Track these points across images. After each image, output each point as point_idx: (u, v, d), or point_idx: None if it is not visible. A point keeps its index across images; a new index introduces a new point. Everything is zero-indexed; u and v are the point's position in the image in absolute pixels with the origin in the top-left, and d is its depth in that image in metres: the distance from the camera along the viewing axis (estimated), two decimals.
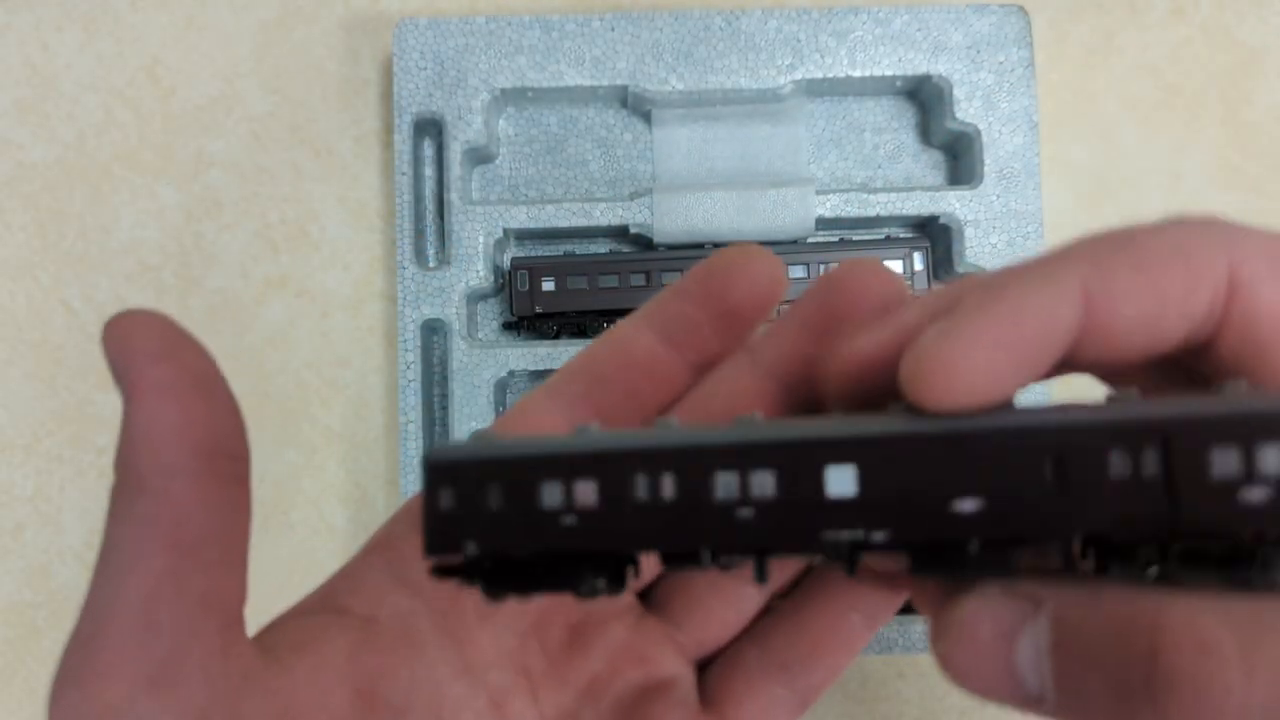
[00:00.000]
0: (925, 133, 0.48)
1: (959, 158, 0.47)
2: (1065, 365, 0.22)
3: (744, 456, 0.23)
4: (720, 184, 0.46)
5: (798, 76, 0.45)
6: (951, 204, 0.45)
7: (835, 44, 0.45)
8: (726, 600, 0.29)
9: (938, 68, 0.45)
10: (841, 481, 0.22)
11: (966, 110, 0.45)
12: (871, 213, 0.45)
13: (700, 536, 0.23)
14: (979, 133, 0.45)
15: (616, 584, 0.24)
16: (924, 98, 0.47)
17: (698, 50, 0.45)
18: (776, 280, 0.27)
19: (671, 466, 0.23)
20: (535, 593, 0.24)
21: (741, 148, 0.47)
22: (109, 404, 0.47)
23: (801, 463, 0.22)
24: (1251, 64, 0.49)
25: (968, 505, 0.21)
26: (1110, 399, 0.22)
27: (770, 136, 0.47)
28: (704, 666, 0.29)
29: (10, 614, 0.46)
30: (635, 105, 0.47)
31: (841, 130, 0.48)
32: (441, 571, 0.24)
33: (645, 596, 0.29)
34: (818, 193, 0.45)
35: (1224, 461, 0.20)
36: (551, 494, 0.24)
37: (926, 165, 0.48)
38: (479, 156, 0.46)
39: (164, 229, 0.48)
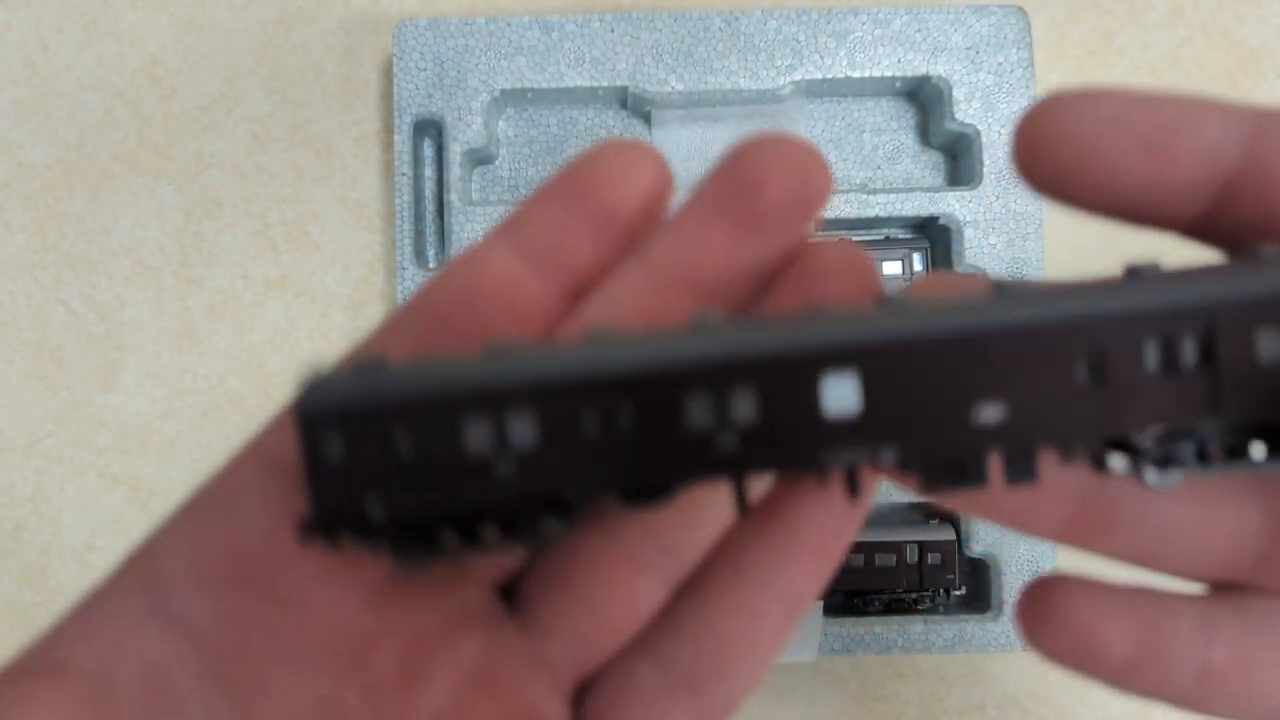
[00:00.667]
0: (925, 133, 0.48)
1: (958, 159, 0.47)
2: (1200, 227, 0.20)
3: (718, 377, 0.19)
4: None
5: (797, 77, 0.45)
6: (951, 205, 0.45)
7: (835, 45, 0.45)
8: (615, 594, 0.22)
9: (937, 68, 0.45)
10: (842, 396, 0.19)
11: (966, 111, 0.45)
12: (871, 213, 0.45)
13: (670, 472, 0.19)
14: (978, 133, 0.45)
15: (567, 518, 0.20)
16: (923, 98, 0.47)
17: (697, 51, 0.45)
18: (663, 175, 0.23)
19: (629, 396, 0.19)
20: (471, 549, 0.19)
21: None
22: (109, 404, 0.47)
23: (791, 378, 0.19)
24: (1251, 65, 0.49)
25: (991, 414, 0.19)
26: (1131, 273, 0.19)
27: None
28: (584, 689, 0.23)
29: (10, 614, 0.46)
30: (635, 106, 0.47)
31: (841, 131, 0.48)
32: (328, 533, 0.19)
33: (508, 592, 0.23)
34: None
35: (1272, 343, 0.18)
36: (478, 435, 0.19)
37: (926, 166, 0.48)
38: (479, 157, 0.47)
39: (164, 229, 0.48)
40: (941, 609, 0.46)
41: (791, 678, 0.46)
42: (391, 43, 0.45)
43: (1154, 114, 0.19)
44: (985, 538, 0.44)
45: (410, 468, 0.19)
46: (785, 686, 0.46)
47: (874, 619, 0.44)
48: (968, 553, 0.45)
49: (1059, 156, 0.19)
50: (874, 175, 0.48)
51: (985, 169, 0.45)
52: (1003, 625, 0.44)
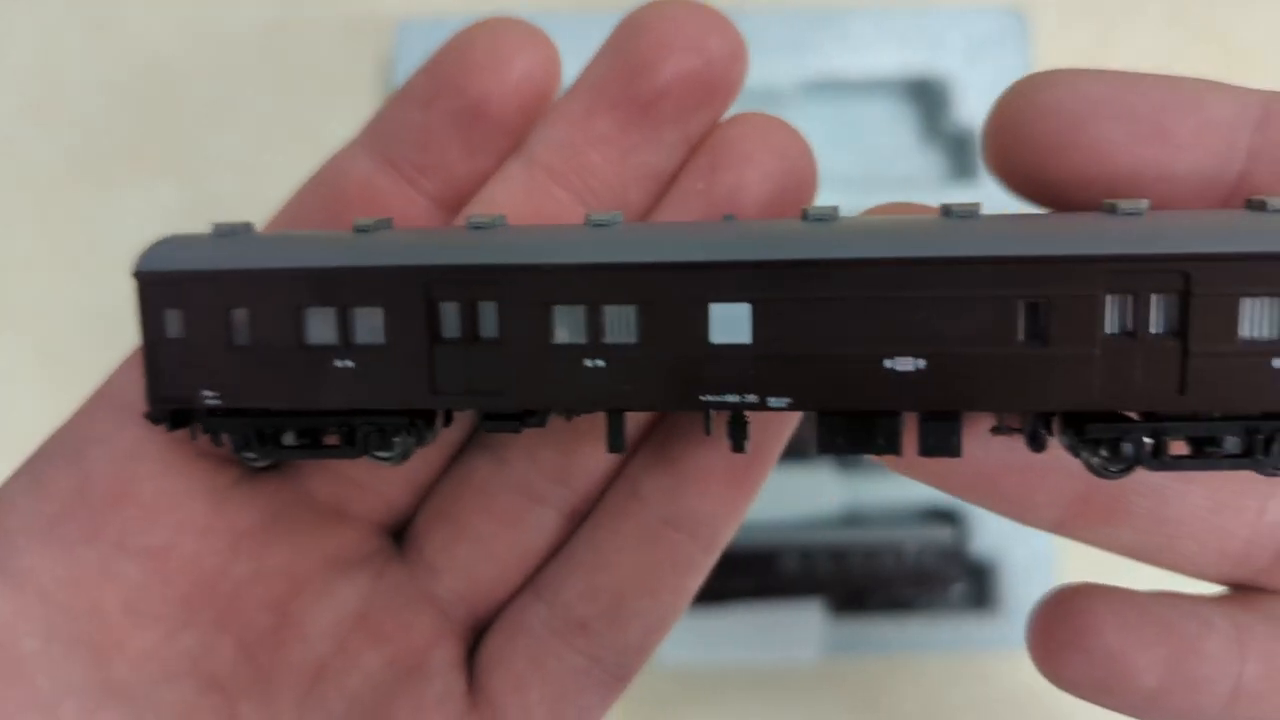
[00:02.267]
0: (925, 132, 0.48)
1: (958, 157, 0.47)
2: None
3: (593, 283, 0.16)
4: None
5: (798, 76, 0.45)
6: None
7: (835, 44, 0.46)
8: (504, 525, 0.20)
9: (937, 68, 0.45)
10: (731, 324, 0.16)
11: (966, 110, 0.45)
12: None
13: (533, 391, 0.16)
14: (979, 133, 0.45)
15: (423, 433, 0.18)
16: (924, 98, 0.47)
17: None
18: (542, 57, 0.19)
19: (492, 293, 0.16)
20: (310, 456, 0.18)
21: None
22: None
23: (675, 296, 0.16)
24: (1246, 67, 0.49)
25: (905, 364, 0.16)
26: (1109, 209, 0.16)
27: None
28: (482, 634, 0.21)
29: None
30: None
31: (842, 130, 0.48)
32: (173, 417, 0.18)
33: (399, 534, 0.22)
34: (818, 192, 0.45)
35: (1258, 318, 0.15)
36: (321, 324, 0.17)
37: (927, 165, 0.48)
38: None
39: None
40: (942, 608, 0.46)
41: (792, 678, 0.46)
42: (393, 42, 0.45)
43: (1152, 92, 0.17)
44: (986, 537, 0.44)
45: (249, 351, 0.17)
46: (786, 686, 0.46)
47: (874, 618, 0.44)
48: (968, 552, 0.45)
49: (1039, 138, 0.17)
50: (874, 174, 0.48)
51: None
52: (1003, 624, 0.44)
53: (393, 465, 0.18)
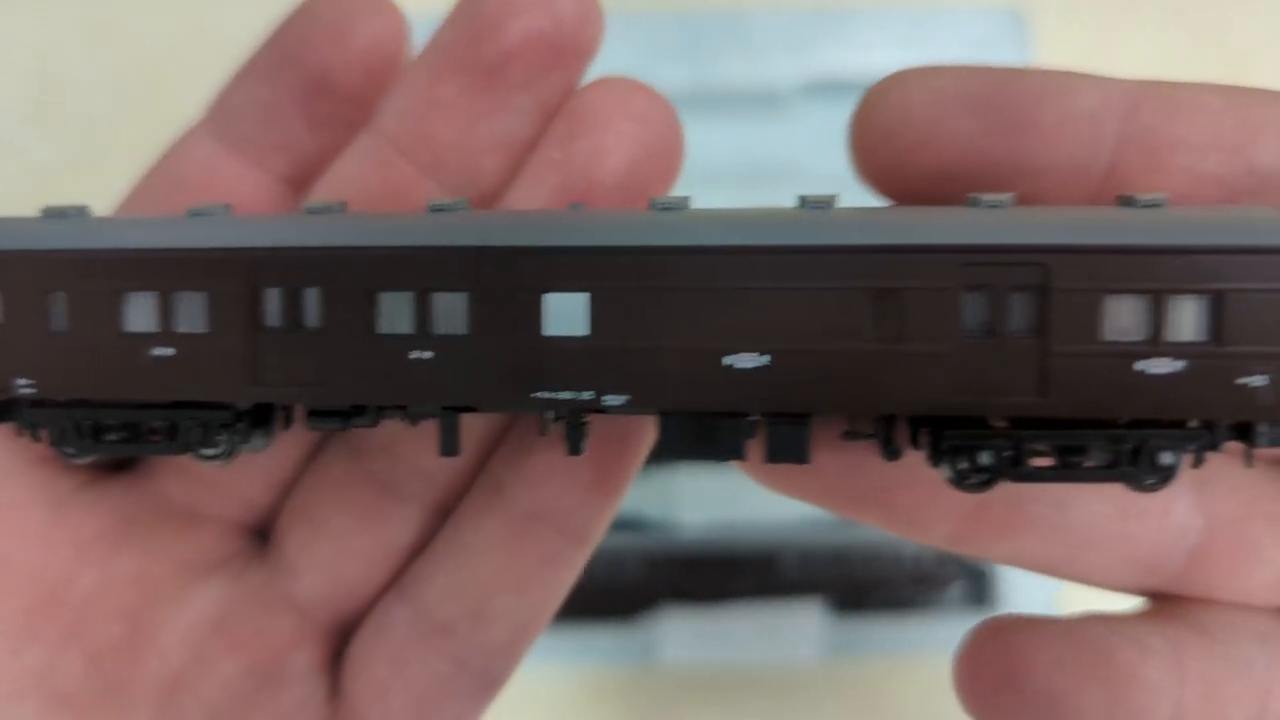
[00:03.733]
0: None
1: None
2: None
3: (421, 269, 0.15)
4: (720, 183, 0.46)
5: (798, 77, 0.45)
6: None
7: (835, 45, 0.46)
8: (363, 521, 0.19)
9: None
10: (567, 316, 0.15)
11: None
12: None
13: (357, 385, 0.15)
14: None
15: (257, 434, 0.17)
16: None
17: (698, 50, 0.45)
18: (389, 24, 0.18)
19: (315, 279, 0.15)
20: (130, 450, 0.17)
21: (742, 147, 0.47)
22: None
23: (508, 284, 0.15)
24: (1242, 67, 0.49)
25: (747, 361, 0.15)
26: (971, 203, 0.15)
27: (770, 136, 0.47)
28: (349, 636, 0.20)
29: None
30: None
31: (842, 130, 0.48)
32: None
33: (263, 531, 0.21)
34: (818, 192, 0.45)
35: (1122, 316, 0.15)
36: (141, 310, 0.16)
37: None
38: None
39: None
40: (941, 608, 0.46)
41: (792, 678, 0.46)
42: None
43: (1009, 85, 0.16)
44: None
45: (67, 338, 0.16)
46: (786, 686, 0.46)
47: (874, 618, 0.44)
48: None
49: (901, 137, 0.16)
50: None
51: None
52: None
53: (220, 465, 0.17)
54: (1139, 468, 0.15)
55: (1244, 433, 0.16)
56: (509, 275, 0.15)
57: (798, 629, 0.43)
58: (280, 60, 0.18)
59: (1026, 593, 0.44)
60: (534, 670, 0.44)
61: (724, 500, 0.43)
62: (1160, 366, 0.14)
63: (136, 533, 0.20)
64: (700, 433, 0.15)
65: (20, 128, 0.48)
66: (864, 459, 0.17)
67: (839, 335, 0.15)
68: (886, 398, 0.15)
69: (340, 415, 0.16)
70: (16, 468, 0.19)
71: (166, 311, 0.16)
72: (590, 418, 0.17)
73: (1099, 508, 0.18)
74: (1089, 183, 0.17)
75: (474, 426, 0.19)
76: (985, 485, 0.16)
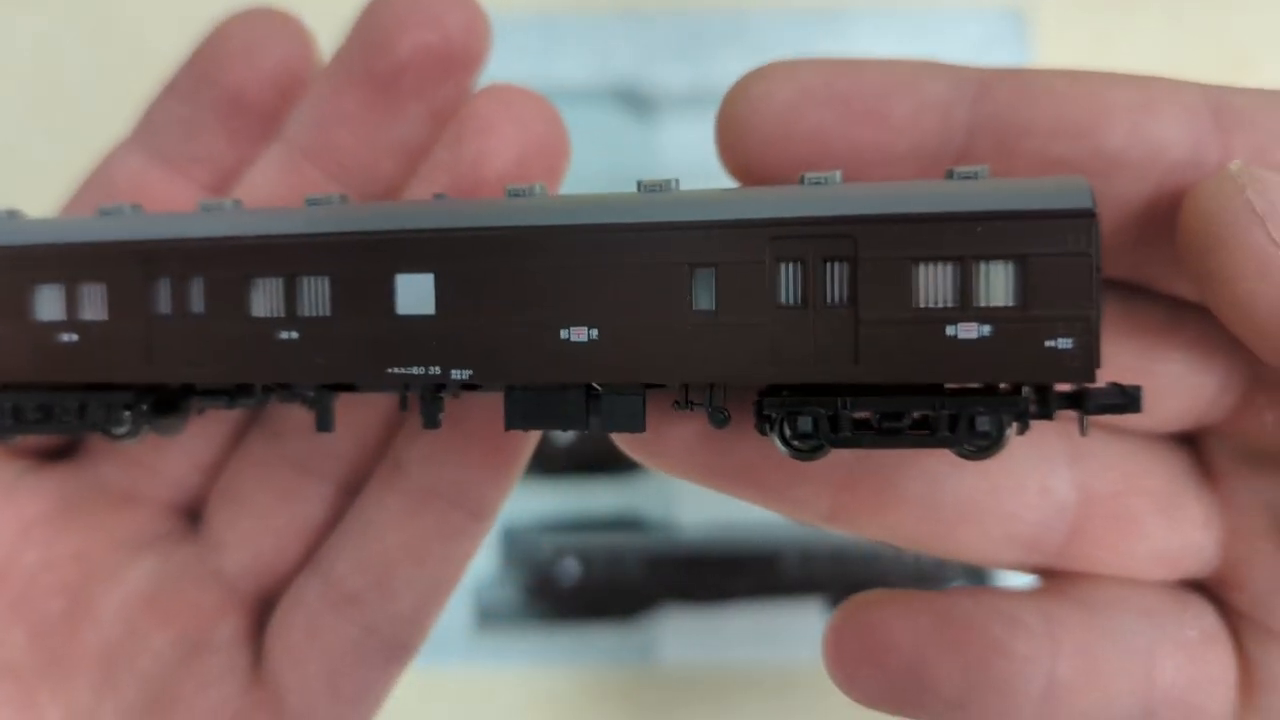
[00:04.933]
0: None
1: None
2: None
3: (289, 255, 0.17)
4: (720, 183, 0.46)
5: None
6: None
7: (836, 45, 0.46)
8: (282, 500, 0.21)
9: None
10: (416, 296, 0.16)
11: None
12: None
13: (235, 364, 0.17)
14: None
15: (165, 418, 0.19)
16: None
17: (699, 49, 0.45)
18: (296, 43, 0.20)
19: (199, 267, 0.17)
20: (46, 430, 0.19)
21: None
22: None
23: (364, 267, 0.16)
24: (1244, 65, 0.49)
25: (579, 334, 0.16)
26: (799, 181, 0.16)
27: None
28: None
29: None
30: (636, 104, 0.47)
31: None
32: None
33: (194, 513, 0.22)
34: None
35: (932, 283, 0.15)
36: (50, 300, 0.18)
37: None
38: None
39: None
40: None
41: (792, 678, 0.46)
42: None
43: (867, 76, 0.17)
44: None
45: None
46: (786, 686, 0.46)
47: None
48: None
49: (759, 130, 0.17)
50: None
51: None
52: None
53: (132, 443, 0.18)
54: (957, 433, 0.16)
55: (1076, 400, 0.16)
56: (364, 259, 0.16)
57: (798, 629, 0.43)
58: (198, 79, 0.20)
59: None
60: (534, 670, 0.44)
61: (724, 500, 0.43)
62: (970, 331, 0.15)
63: (76, 514, 0.21)
64: (542, 404, 0.16)
65: (20, 128, 0.48)
66: (727, 435, 0.18)
67: (663, 309, 0.16)
68: (708, 368, 0.15)
69: (225, 394, 0.18)
70: None
71: (72, 301, 0.18)
72: (465, 396, 0.18)
73: (973, 482, 0.18)
74: (943, 168, 0.17)
75: (379, 408, 0.21)
76: (815, 452, 0.16)
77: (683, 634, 0.43)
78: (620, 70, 0.45)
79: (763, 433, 0.17)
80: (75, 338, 0.18)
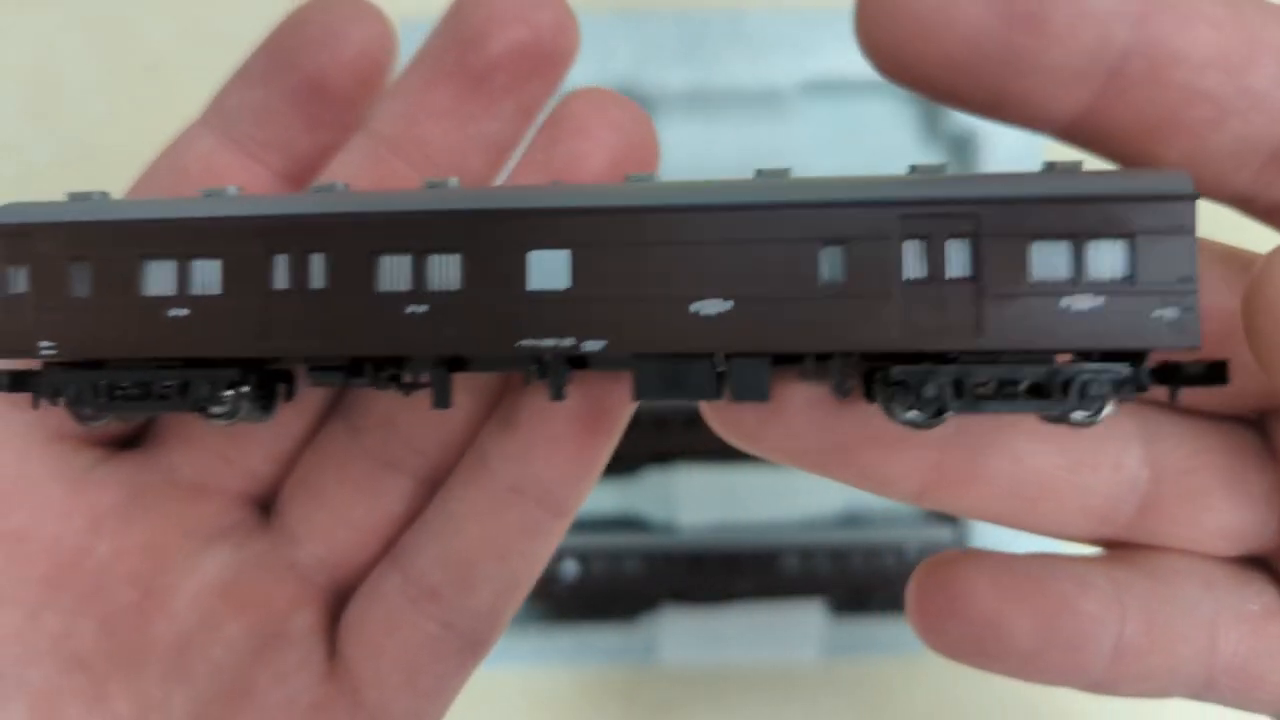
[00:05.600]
0: (926, 132, 0.48)
1: (959, 157, 0.47)
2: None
3: (419, 232, 0.17)
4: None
5: (799, 76, 0.45)
6: None
7: (836, 44, 0.46)
8: (360, 493, 0.21)
9: None
10: (549, 272, 0.17)
11: None
12: None
13: (357, 339, 0.17)
14: (979, 133, 0.45)
15: (261, 401, 0.19)
16: (924, 98, 0.47)
17: (699, 49, 0.45)
18: (376, 30, 0.20)
19: (320, 244, 0.17)
20: (143, 408, 0.19)
21: (742, 147, 0.47)
22: None
23: (496, 244, 0.17)
24: None
25: (711, 307, 0.17)
26: (914, 172, 0.18)
27: (771, 136, 0.47)
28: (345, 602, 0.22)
29: None
30: (636, 104, 0.47)
31: (842, 130, 0.48)
32: (12, 380, 0.19)
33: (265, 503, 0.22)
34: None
35: (1048, 259, 0.17)
36: (159, 276, 0.18)
37: None
38: None
39: None
40: None
41: (792, 678, 0.46)
42: None
43: (1248, 25, 0.16)
44: (986, 537, 0.44)
45: (88, 303, 0.18)
46: (786, 686, 0.46)
47: (875, 619, 0.44)
48: None
49: (913, 19, 0.16)
50: (874, 174, 0.48)
51: (986, 167, 0.45)
52: None
53: (226, 425, 0.18)
54: (1069, 398, 0.17)
55: (1169, 374, 0.18)
56: (497, 237, 0.17)
57: (798, 629, 0.43)
58: (276, 65, 0.20)
59: None
60: (534, 670, 0.44)
61: (724, 500, 0.43)
62: (1083, 303, 0.16)
63: (147, 505, 0.21)
64: (672, 375, 0.17)
65: (19, 127, 0.48)
66: (828, 416, 0.19)
67: (793, 284, 0.17)
68: (837, 337, 0.16)
69: (340, 371, 0.18)
70: (34, 446, 0.21)
71: (183, 278, 0.18)
72: (570, 382, 0.19)
73: (1053, 460, 0.19)
74: (1085, 90, 0.17)
75: (462, 403, 0.21)
76: (937, 417, 0.17)
77: (683, 634, 0.43)
78: (620, 70, 0.45)
79: (875, 399, 0.18)
80: (186, 312, 0.18)
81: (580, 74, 0.45)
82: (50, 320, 0.18)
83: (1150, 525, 0.20)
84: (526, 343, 0.17)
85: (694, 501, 0.43)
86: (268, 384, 0.19)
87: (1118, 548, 0.20)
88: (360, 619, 0.21)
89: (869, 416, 0.19)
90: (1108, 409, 0.17)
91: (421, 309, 0.17)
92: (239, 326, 0.17)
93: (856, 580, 0.44)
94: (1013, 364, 0.17)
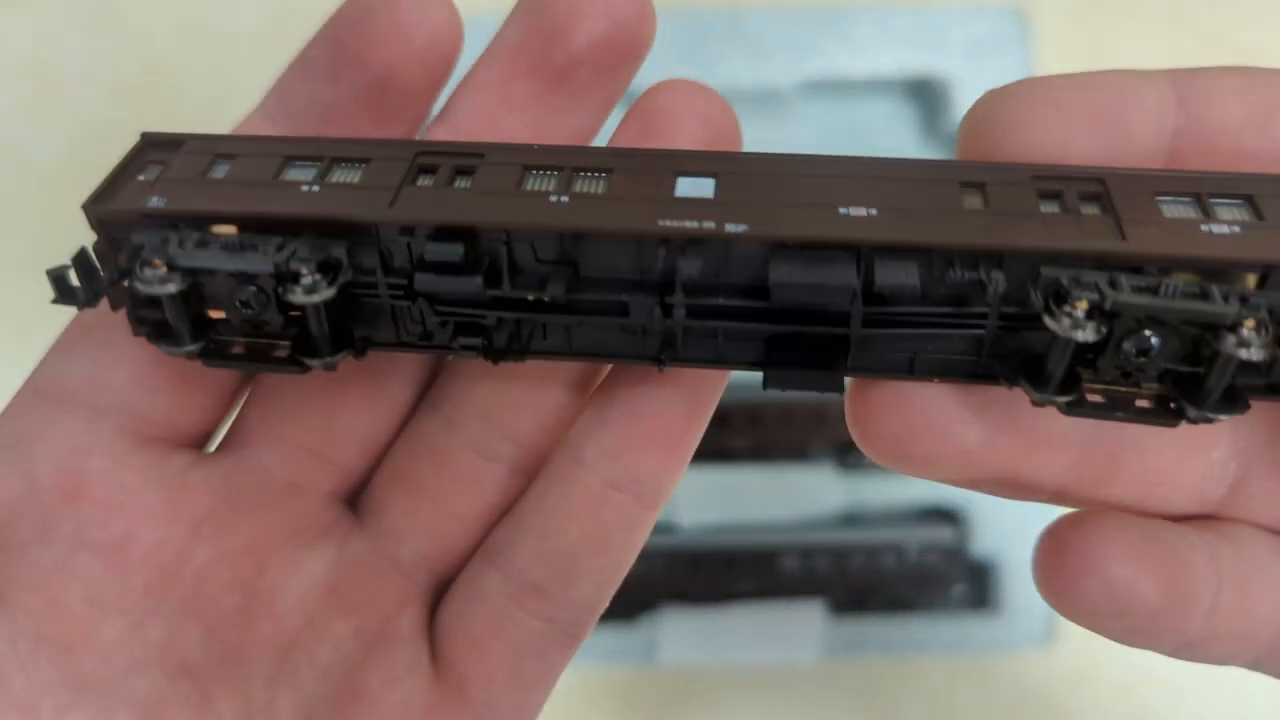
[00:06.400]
0: (926, 133, 0.48)
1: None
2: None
3: (567, 159, 0.18)
4: None
5: (799, 76, 0.45)
6: None
7: (836, 44, 0.46)
8: (461, 484, 0.21)
9: (937, 68, 0.45)
10: (696, 190, 0.17)
11: (966, 110, 0.45)
12: None
13: (491, 213, 0.17)
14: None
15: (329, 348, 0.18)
16: (924, 97, 0.47)
17: (699, 49, 0.45)
18: (444, 20, 0.19)
19: (474, 164, 0.18)
20: (249, 362, 0.18)
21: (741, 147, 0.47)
22: None
23: (645, 167, 0.17)
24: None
25: (858, 211, 0.17)
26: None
27: (771, 136, 0.47)
28: (441, 593, 0.22)
29: None
30: None
31: (842, 130, 0.48)
32: (141, 320, 0.18)
33: (354, 502, 0.22)
34: None
35: (1176, 207, 0.18)
36: (300, 172, 0.18)
37: None
38: None
39: None
40: (942, 609, 0.46)
41: (792, 678, 0.46)
42: None
43: (1105, 89, 0.18)
44: (986, 537, 0.44)
45: (222, 182, 0.18)
46: (786, 686, 0.46)
47: (875, 619, 0.44)
48: (969, 552, 0.45)
49: (1007, 144, 0.18)
50: None
51: None
52: (1004, 624, 0.44)
53: (313, 299, 0.17)
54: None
55: None
56: (647, 164, 0.17)
57: (798, 629, 0.43)
58: (342, 60, 0.19)
59: (1027, 595, 0.44)
60: None
61: (724, 500, 0.43)
62: (1220, 228, 0.17)
63: (245, 507, 0.21)
64: (804, 353, 0.17)
65: (18, 127, 0.48)
66: (975, 424, 0.19)
67: (937, 205, 0.17)
68: (986, 235, 0.17)
69: (483, 334, 0.18)
70: (129, 454, 0.20)
71: (324, 173, 0.18)
72: (667, 376, 0.19)
73: (1166, 451, 0.20)
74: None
75: (555, 393, 0.21)
76: (1096, 336, 0.17)
77: (683, 634, 0.43)
78: None
79: (1053, 311, 0.18)
80: (317, 189, 0.17)
81: None
82: (175, 180, 0.18)
83: (1235, 506, 0.20)
84: (668, 223, 0.16)
85: (694, 501, 0.43)
86: (344, 334, 0.19)
87: (1202, 518, 0.21)
88: (461, 617, 0.21)
89: (1014, 417, 0.19)
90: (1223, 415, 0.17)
91: (564, 199, 0.17)
92: (371, 199, 0.17)
93: (856, 580, 0.44)
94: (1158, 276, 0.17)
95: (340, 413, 0.21)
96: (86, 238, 0.42)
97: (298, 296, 0.17)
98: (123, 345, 0.20)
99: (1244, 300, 0.16)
